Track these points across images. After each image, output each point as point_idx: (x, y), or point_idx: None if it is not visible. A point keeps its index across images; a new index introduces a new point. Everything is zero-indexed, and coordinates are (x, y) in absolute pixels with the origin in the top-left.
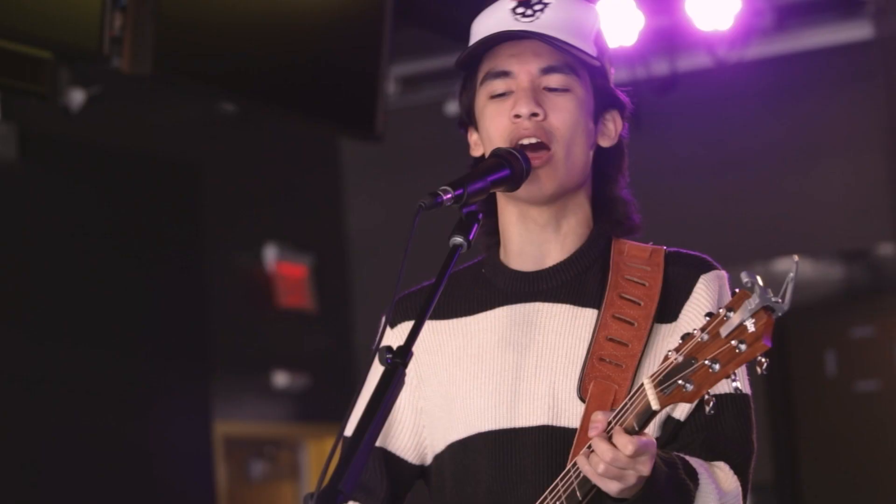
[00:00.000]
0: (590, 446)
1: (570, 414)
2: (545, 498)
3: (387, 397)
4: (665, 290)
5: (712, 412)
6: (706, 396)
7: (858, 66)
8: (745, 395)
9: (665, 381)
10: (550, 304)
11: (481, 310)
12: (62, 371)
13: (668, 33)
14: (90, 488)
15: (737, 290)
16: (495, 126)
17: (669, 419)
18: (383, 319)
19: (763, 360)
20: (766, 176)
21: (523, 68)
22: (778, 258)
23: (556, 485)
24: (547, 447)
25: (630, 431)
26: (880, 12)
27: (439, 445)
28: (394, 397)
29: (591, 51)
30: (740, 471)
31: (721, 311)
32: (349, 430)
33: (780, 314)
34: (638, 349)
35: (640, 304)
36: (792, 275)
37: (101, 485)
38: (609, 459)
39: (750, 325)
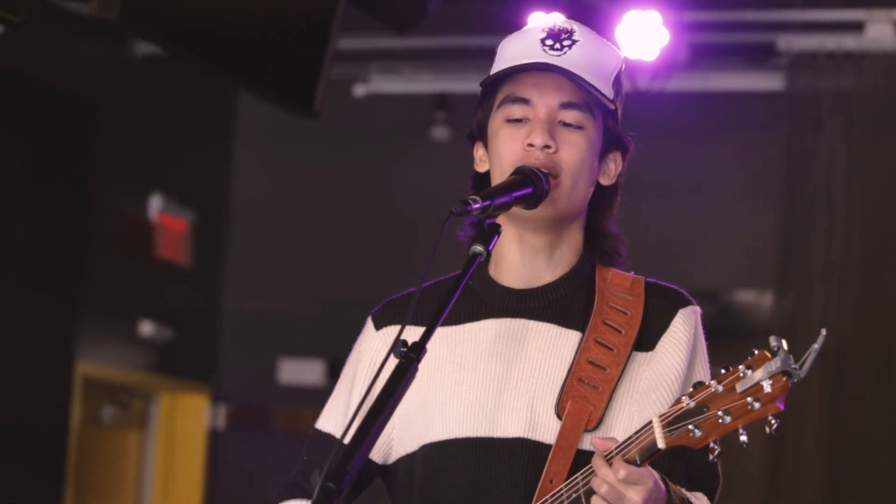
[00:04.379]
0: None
1: (546, 429)
2: (546, 501)
3: (398, 390)
4: (645, 321)
5: (715, 460)
6: (711, 445)
7: (765, 115)
8: None
9: (674, 423)
10: (537, 323)
11: (467, 320)
12: None
13: None
14: None
15: (755, 351)
16: (507, 149)
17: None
18: (369, 319)
19: (773, 420)
20: (655, 207)
21: (543, 99)
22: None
23: (560, 490)
24: (522, 458)
25: (631, 463)
26: (793, 67)
27: (411, 446)
28: (405, 390)
29: (609, 93)
30: (713, 501)
31: (740, 367)
32: (349, 420)
33: (795, 381)
34: (615, 374)
35: (621, 332)
36: (816, 346)
37: None
38: (601, 475)
39: (766, 386)
